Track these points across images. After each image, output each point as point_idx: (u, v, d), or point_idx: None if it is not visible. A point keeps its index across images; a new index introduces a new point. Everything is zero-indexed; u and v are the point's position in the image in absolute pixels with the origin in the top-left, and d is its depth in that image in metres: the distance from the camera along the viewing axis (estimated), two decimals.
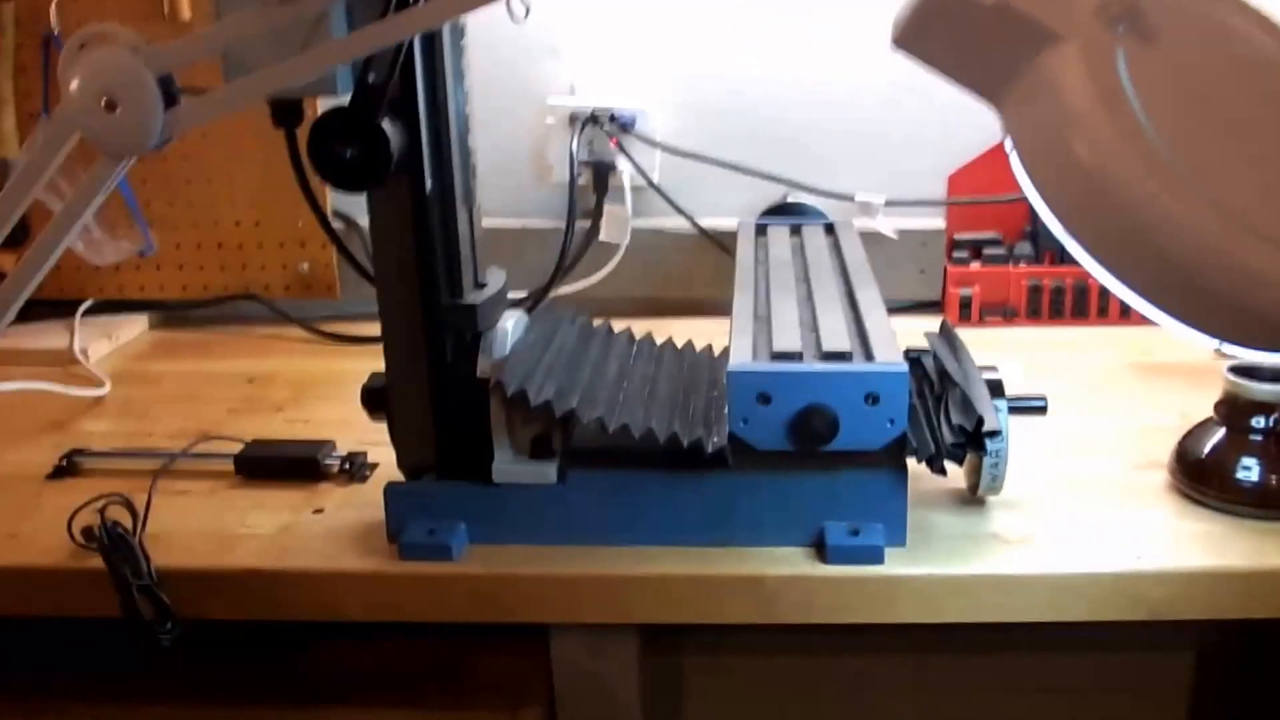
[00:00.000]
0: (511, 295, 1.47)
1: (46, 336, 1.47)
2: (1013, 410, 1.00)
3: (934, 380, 1.02)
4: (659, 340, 1.13)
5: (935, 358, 1.04)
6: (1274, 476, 0.99)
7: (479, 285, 1.00)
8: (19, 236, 1.37)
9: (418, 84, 0.91)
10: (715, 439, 0.94)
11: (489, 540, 0.99)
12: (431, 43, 0.92)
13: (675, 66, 1.55)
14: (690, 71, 1.55)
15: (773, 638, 1.14)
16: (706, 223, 1.55)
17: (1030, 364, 1.36)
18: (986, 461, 0.98)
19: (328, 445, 1.13)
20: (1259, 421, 1.00)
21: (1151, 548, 0.96)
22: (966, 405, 0.95)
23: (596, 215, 1.54)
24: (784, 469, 0.95)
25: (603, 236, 1.54)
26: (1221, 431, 1.02)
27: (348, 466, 1.12)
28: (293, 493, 1.10)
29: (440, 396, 0.98)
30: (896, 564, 0.94)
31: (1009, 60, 0.76)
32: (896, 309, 1.45)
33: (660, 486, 0.96)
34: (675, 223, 1.57)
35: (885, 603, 0.94)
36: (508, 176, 1.57)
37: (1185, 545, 0.97)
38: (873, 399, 0.91)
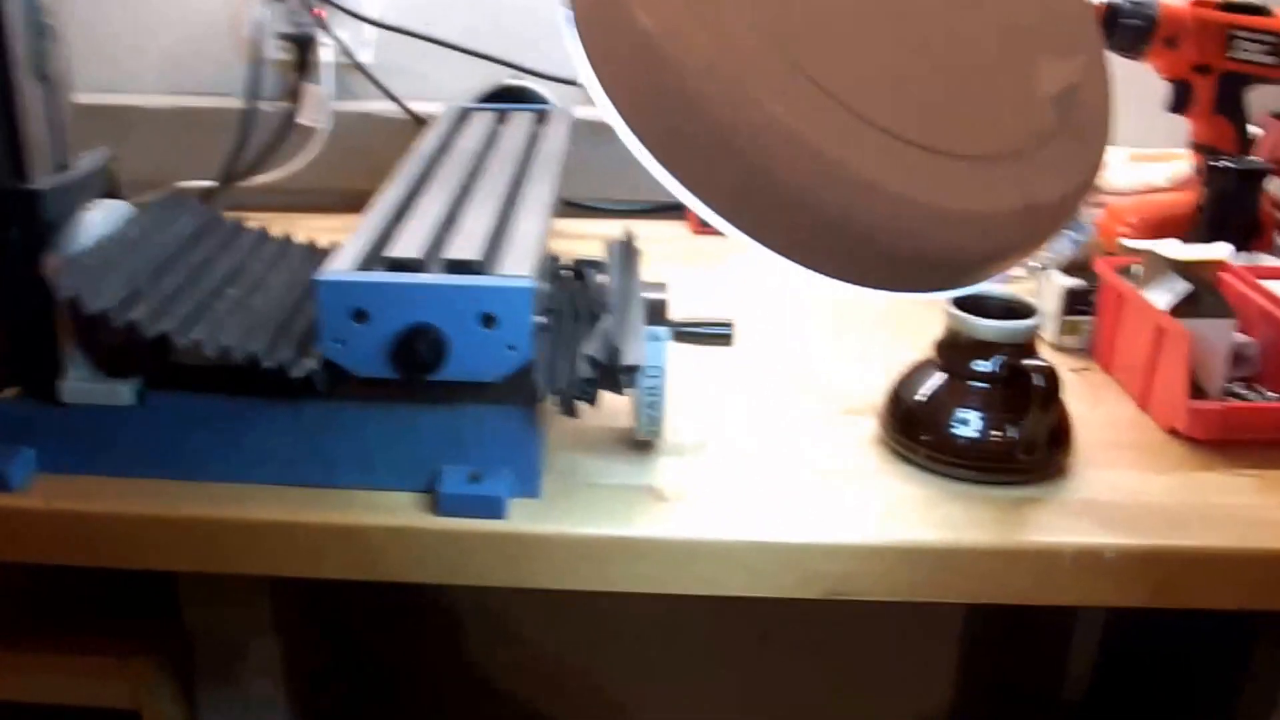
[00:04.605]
0: (195, 184, 1.31)
1: None
2: (688, 338, 0.85)
3: (596, 301, 0.86)
4: (316, 241, 0.97)
5: (602, 273, 0.88)
6: (995, 432, 0.84)
7: (60, 168, 0.83)
8: None
9: None
10: (309, 362, 0.78)
11: (62, 470, 0.83)
12: None
13: None
14: None
15: None
16: (422, 108, 1.37)
17: (756, 285, 1.15)
18: (641, 399, 0.82)
19: None
20: (981, 365, 0.85)
21: (835, 513, 0.81)
22: (608, 333, 0.79)
23: (296, 95, 1.36)
24: (395, 401, 0.80)
25: (301, 119, 1.36)
26: (939, 376, 0.87)
27: None
28: None
29: (4, 297, 0.81)
30: (523, 519, 0.79)
31: None
32: (634, 213, 1.28)
33: (252, 415, 0.81)
34: (387, 107, 1.39)
35: (507, 563, 0.80)
36: (204, 50, 1.38)
37: (879, 511, 0.82)
38: (488, 320, 0.75)
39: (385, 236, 0.82)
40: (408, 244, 0.79)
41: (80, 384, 0.82)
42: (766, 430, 0.91)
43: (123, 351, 0.81)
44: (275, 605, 0.98)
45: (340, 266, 0.77)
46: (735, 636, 1.49)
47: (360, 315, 0.76)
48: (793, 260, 0.61)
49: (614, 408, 0.85)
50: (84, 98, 1.35)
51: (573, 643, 1.53)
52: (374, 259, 0.79)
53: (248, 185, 1.34)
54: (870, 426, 0.90)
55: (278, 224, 1.00)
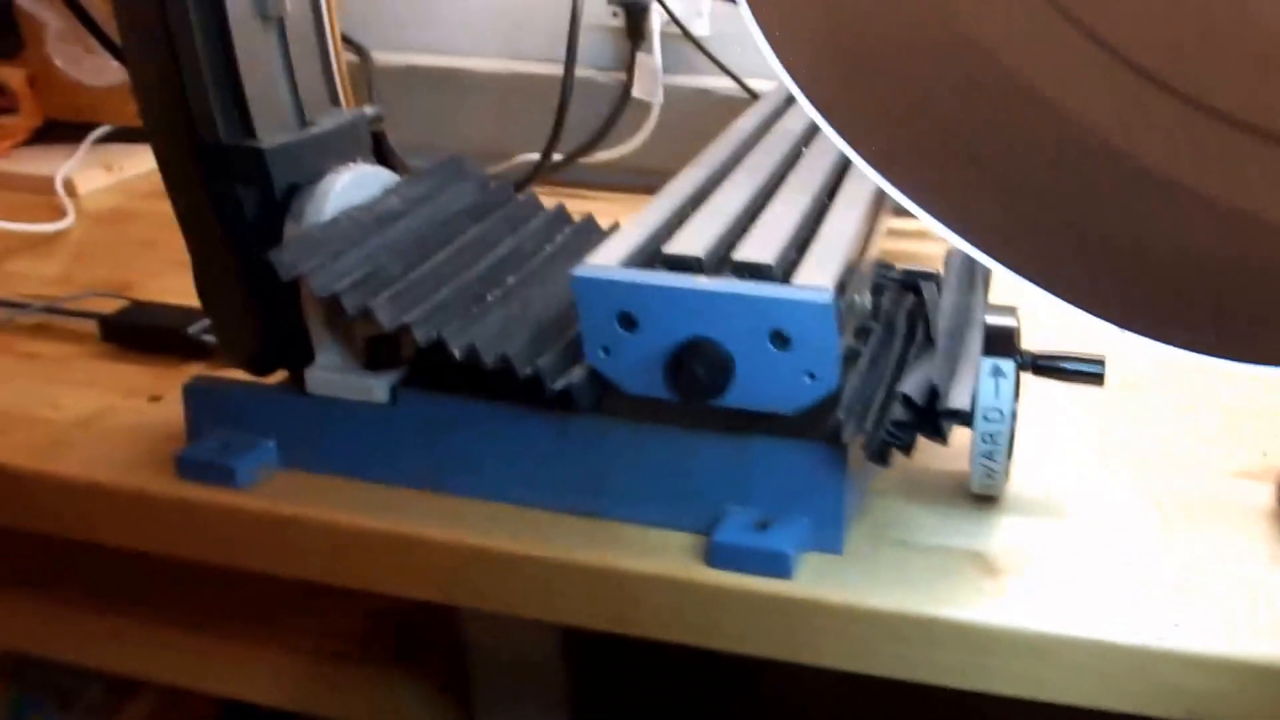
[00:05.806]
0: (525, 158, 1.21)
1: (42, 161, 1.26)
2: (1046, 373, 0.68)
3: (929, 322, 0.71)
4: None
5: (938, 288, 0.72)
6: None
7: (305, 124, 0.73)
8: (13, 46, 1.21)
9: None
10: (575, 372, 0.66)
11: (304, 466, 0.74)
12: None
13: None
14: None
15: None
16: (758, 85, 1.22)
17: None
18: (977, 448, 0.66)
19: None
20: None
21: (1207, 611, 0.63)
22: (930, 367, 0.64)
23: (630, 67, 1.24)
24: (675, 425, 0.66)
25: (635, 92, 1.23)
26: None
27: None
28: (152, 370, 0.88)
29: (246, 269, 0.72)
30: (812, 579, 0.65)
31: None
32: None
33: (514, 427, 0.69)
34: (722, 83, 1.25)
35: (786, 632, 0.65)
36: (540, 13, 1.28)
37: (1266, 614, 0.63)
38: (780, 339, 0.61)
39: (670, 229, 0.68)
40: (691, 240, 0.65)
41: (329, 375, 0.72)
42: (1135, 491, 0.73)
43: (381, 342, 0.71)
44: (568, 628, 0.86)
45: (605, 261, 0.64)
46: None
47: (627, 321, 0.63)
48: (1038, 282, 0.44)
49: (958, 447, 0.69)
50: (412, 58, 1.29)
51: None
52: (653, 255, 0.65)
53: (584, 161, 1.25)
54: (1266, 497, 0.71)
55: (602, 206, 0.88)
